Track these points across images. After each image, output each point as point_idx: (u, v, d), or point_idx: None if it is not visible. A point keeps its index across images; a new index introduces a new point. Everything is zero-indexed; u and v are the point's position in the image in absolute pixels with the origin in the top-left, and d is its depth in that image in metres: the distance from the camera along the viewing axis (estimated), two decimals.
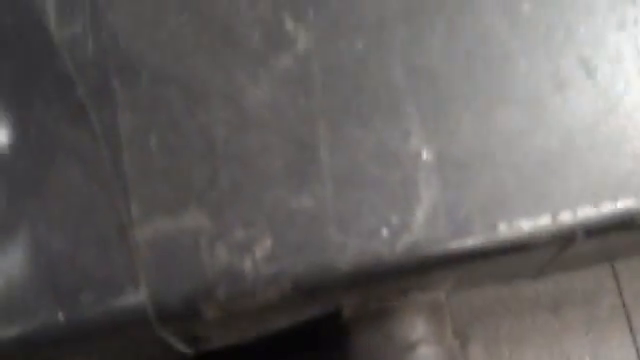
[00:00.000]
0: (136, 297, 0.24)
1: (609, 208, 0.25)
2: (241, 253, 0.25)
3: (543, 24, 0.26)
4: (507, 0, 0.27)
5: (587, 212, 0.25)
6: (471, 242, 0.25)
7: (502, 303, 0.40)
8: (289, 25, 0.27)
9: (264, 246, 0.25)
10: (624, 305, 0.40)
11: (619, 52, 0.26)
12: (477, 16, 0.27)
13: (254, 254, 0.25)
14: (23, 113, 0.26)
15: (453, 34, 0.27)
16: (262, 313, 0.26)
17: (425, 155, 0.26)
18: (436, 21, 0.27)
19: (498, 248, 0.25)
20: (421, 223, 0.25)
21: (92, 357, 0.29)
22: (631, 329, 0.39)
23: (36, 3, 0.27)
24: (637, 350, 0.39)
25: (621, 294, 0.40)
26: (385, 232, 0.25)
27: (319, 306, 0.28)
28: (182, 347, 0.28)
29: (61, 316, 0.24)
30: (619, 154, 0.25)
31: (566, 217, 0.25)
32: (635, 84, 0.26)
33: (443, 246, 0.25)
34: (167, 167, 0.26)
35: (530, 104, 0.26)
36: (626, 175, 0.25)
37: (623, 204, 0.25)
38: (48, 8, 0.27)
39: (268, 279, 0.24)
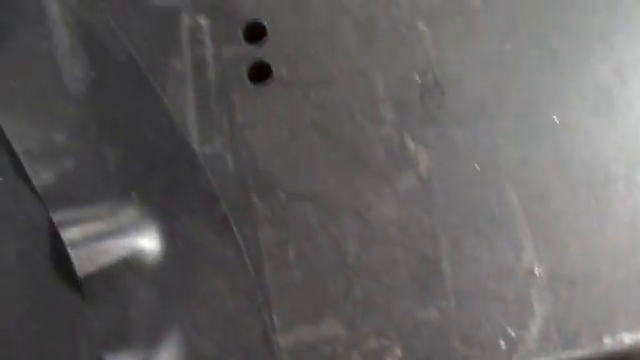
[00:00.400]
0: None
1: None
2: None
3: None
4: (611, 129, 0.29)
5: None
6: (579, 354, 0.28)
7: None
8: (411, 146, 0.30)
9: (394, 355, 0.28)
10: None
11: None
12: (583, 141, 0.30)
13: None
14: (171, 225, 0.29)
15: (560, 157, 0.29)
16: None
17: (537, 271, 0.28)
18: (544, 145, 0.30)
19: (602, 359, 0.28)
20: (535, 336, 0.28)
21: None
22: None
23: (179, 121, 0.29)
24: None
25: None
26: (503, 344, 0.28)
27: None
28: None
29: None
30: None
31: None
32: None
33: (554, 358, 0.28)
34: (305, 279, 0.28)
35: (630, 226, 0.29)
36: None
37: None
38: (190, 126, 0.29)
39: None
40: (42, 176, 0.29)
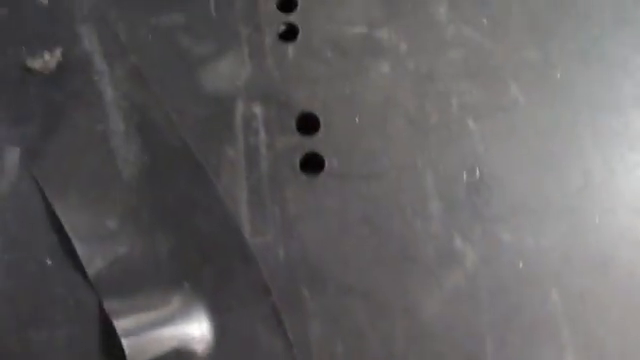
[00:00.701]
0: None
1: None
2: None
3: None
4: None
5: None
6: None
7: None
8: (458, 243, 0.30)
9: None
10: None
11: None
12: (624, 242, 0.30)
13: None
14: (221, 316, 0.29)
15: (601, 258, 0.30)
16: None
17: None
18: (586, 244, 0.30)
19: None
20: None
21: None
22: None
23: (232, 210, 0.30)
24: None
25: None
26: None
27: None
28: None
29: None
30: None
31: None
32: None
33: None
34: None
35: None
36: None
37: None
38: (242, 216, 0.30)
39: None
40: (94, 262, 0.29)
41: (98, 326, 0.29)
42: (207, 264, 0.29)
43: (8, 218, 0.30)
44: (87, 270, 0.29)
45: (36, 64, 0.32)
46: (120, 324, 0.28)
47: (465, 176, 0.31)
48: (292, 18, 0.33)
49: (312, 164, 0.31)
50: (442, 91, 0.32)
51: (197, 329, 0.29)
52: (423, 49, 0.32)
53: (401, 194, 0.31)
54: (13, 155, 0.31)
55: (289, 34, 0.32)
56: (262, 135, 0.31)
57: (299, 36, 0.32)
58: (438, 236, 0.30)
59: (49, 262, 0.29)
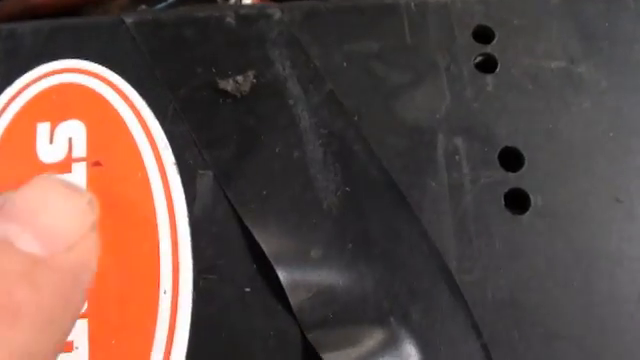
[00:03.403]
0: None
1: None
2: None
3: None
4: None
5: None
6: None
7: None
8: None
9: None
10: None
11: None
12: None
13: None
14: (428, 354, 0.28)
15: None
16: None
17: None
18: None
19: None
20: None
21: None
22: None
23: (438, 245, 0.29)
24: None
25: None
26: None
27: None
28: None
29: None
30: None
31: None
32: None
33: None
34: None
35: None
36: None
37: None
38: (449, 253, 0.29)
39: None
40: (297, 292, 0.28)
41: (301, 356, 0.28)
42: (414, 300, 0.28)
43: (203, 243, 0.29)
44: (290, 300, 0.28)
45: (228, 86, 0.31)
46: (327, 357, 0.27)
47: None
48: (489, 49, 0.32)
49: (517, 201, 0.30)
50: None
51: None
52: (622, 86, 0.32)
53: (608, 237, 0.29)
54: (207, 179, 0.30)
55: (487, 65, 0.32)
56: (465, 169, 0.30)
57: (498, 68, 0.31)
58: None
59: (248, 290, 0.29)
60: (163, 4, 0.46)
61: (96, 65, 0.32)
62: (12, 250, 0.20)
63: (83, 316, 0.28)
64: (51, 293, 0.20)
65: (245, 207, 0.29)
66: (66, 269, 0.20)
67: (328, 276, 0.28)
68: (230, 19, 0.33)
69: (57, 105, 0.32)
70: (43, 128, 0.31)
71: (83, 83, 0.32)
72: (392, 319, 0.28)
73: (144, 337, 0.27)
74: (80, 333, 0.27)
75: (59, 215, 0.21)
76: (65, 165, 0.30)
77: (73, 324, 0.21)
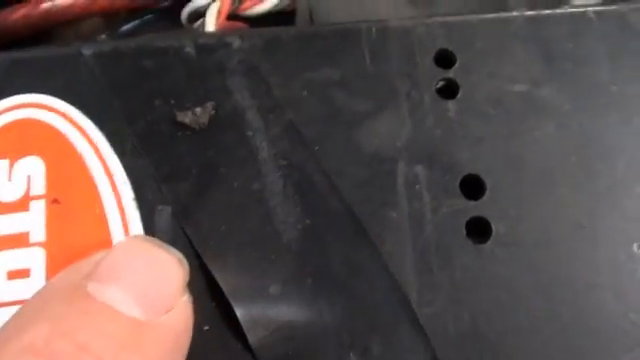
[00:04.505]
0: None
1: None
2: None
3: None
4: None
5: None
6: None
7: None
8: (633, 317, 0.29)
9: None
10: None
11: None
12: None
13: None
14: None
15: None
16: None
17: None
18: None
19: None
20: None
21: None
22: None
23: (398, 280, 0.28)
24: None
25: None
26: None
27: None
28: None
29: None
30: None
31: None
32: None
33: None
34: None
35: None
36: None
37: None
38: (409, 285, 0.29)
39: None
40: (256, 329, 0.28)
41: None
42: (374, 334, 0.28)
43: None
44: (248, 338, 0.28)
45: (187, 118, 0.31)
46: None
47: (637, 249, 0.29)
48: (451, 74, 0.31)
49: (479, 230, 0.29)
50: (607, 153, 0.31)
51: None
52: (586, 108, 0.31)
53: (572, 264, 0.29)
54: (166, 214, 0.30)
55: (448, 90, 0.31)
56: (426, 198, 0.30)
57: (459, 93, 0.31)
58: (614, 314, 0.29)
59: (207, 328, 0.28)
60: (131, 24, 0.45)
61: (55, 99, 0.32)
62: (117, 315, 0.19)
63: None
64: (155, 358, 0.19)
65: (204, 243, 0.29)
66: (167, 333, 0.20)
67: (287, 312, 0.28)
68: (189, 49, 0.32)
69: (16, 141, 0.31)
70: (2, 165, 0.31)
71: (41, 119, 0.32)
72: (352, 354, 0.28)
73: None
74: None
75: (157, 277, 0.21)
76: (23, 203, 0.30)
77: None
